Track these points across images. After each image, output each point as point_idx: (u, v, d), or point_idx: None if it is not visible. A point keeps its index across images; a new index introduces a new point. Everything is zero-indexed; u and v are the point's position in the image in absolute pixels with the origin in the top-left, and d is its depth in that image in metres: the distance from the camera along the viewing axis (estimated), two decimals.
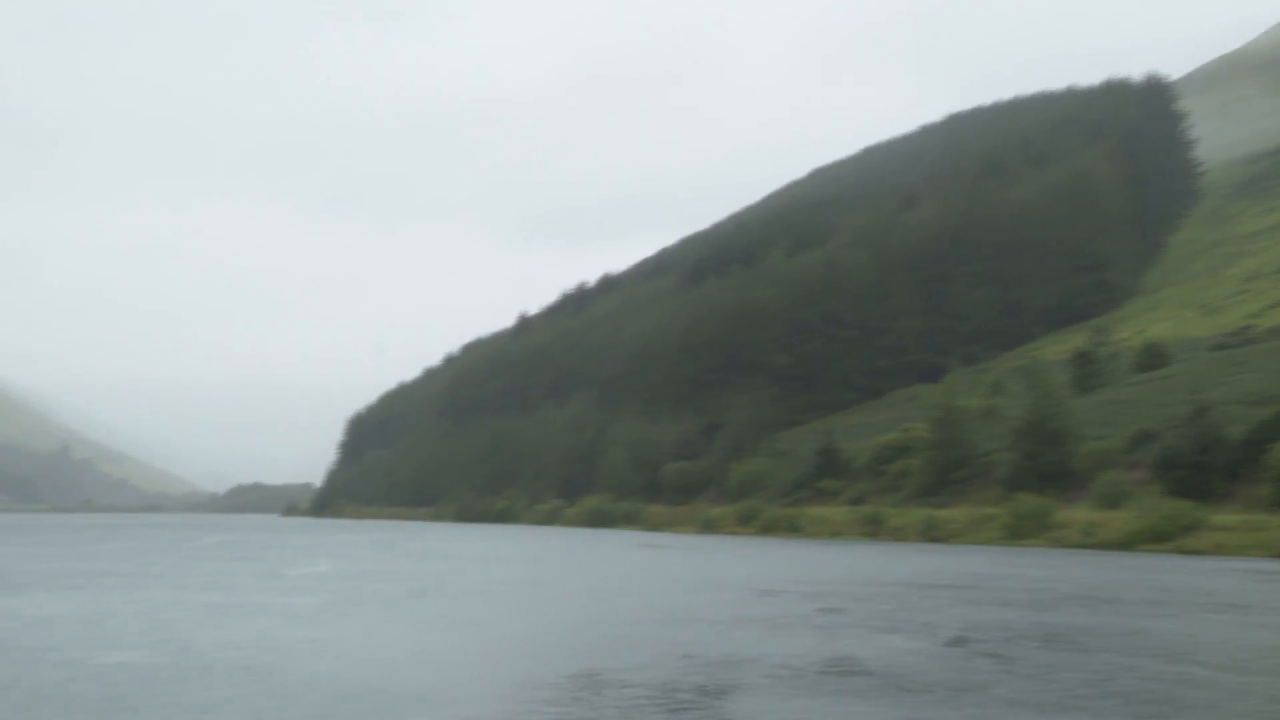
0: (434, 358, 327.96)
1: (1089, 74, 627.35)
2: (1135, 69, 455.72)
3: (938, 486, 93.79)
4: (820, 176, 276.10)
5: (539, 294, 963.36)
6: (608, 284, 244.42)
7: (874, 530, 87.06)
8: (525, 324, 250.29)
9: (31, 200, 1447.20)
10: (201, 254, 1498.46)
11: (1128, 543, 65.41)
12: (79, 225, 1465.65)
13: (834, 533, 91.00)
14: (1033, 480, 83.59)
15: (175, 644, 21.44)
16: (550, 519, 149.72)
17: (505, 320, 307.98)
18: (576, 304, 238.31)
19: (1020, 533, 73.74)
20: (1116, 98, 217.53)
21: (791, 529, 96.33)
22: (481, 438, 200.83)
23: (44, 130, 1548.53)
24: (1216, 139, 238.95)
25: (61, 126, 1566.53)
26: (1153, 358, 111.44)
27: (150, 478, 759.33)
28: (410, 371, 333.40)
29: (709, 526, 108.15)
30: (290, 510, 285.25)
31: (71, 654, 20.03)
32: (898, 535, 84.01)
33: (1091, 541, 67.52)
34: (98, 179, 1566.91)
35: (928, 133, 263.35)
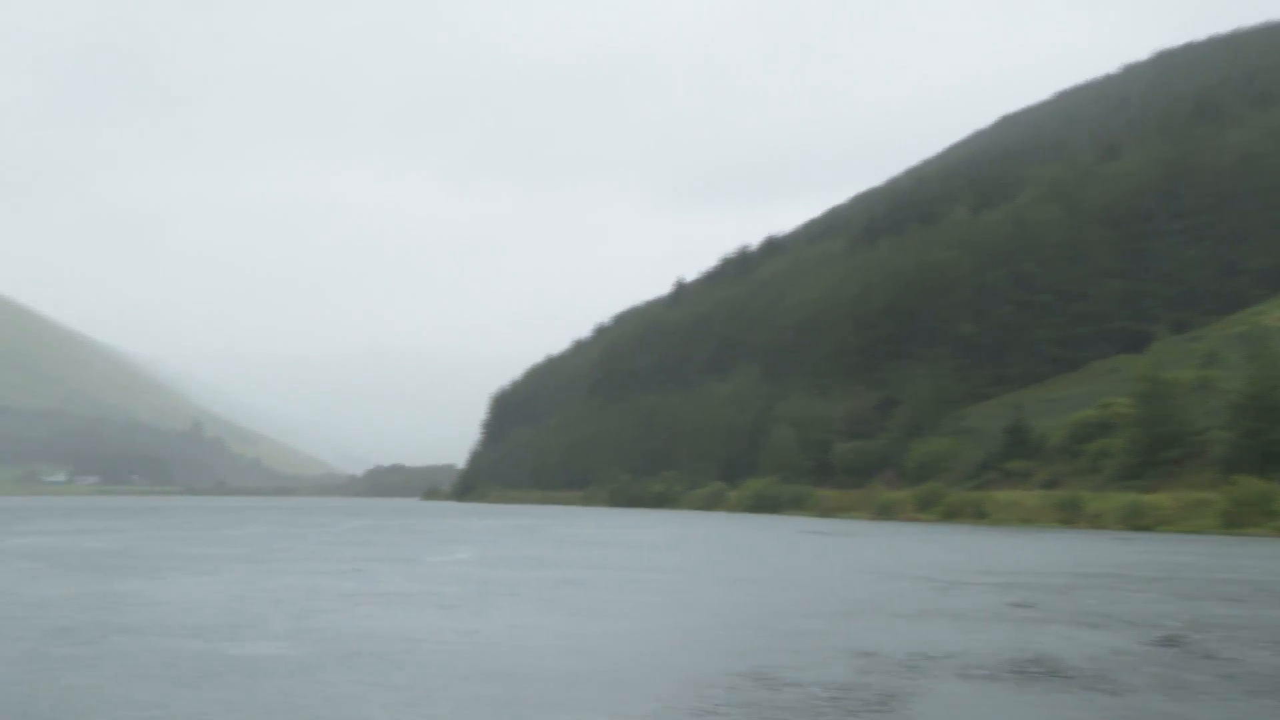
0: (584, 329, 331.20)
1: None
2: None
3: (1142, 469, 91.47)
4: (1008, 125, 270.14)
5: (698, 259, 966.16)
6: (772, 247, 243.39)
7: (1070, 517, 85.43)
8: (683, 291, 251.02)
9: (162, 166, 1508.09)
10: (339, 220, 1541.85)
11: None
12: (211, 191, 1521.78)
13: (1024, 519, 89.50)
14: (1254, 461, 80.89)
15: (317, 633, 22.10)
16: (711, 504, 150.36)
17: (661, 288, 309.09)
18: (738, 269, 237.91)
19: (1239, 520, 71.50)
20: None
21: (977, 515, 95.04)
22: (636, 415, 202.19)
23: (175, 93, 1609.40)
24: None
25: (192, 88, 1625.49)
26: None
27: (284, 459, 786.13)
28: (559, 344, 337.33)
29: (885, 512, 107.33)
30: (431, 494, 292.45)
31: (212, 642, 20.74)
32: (1096, 522, 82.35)
33: None
34: (230, 143, 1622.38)
35: (1132, 73, 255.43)
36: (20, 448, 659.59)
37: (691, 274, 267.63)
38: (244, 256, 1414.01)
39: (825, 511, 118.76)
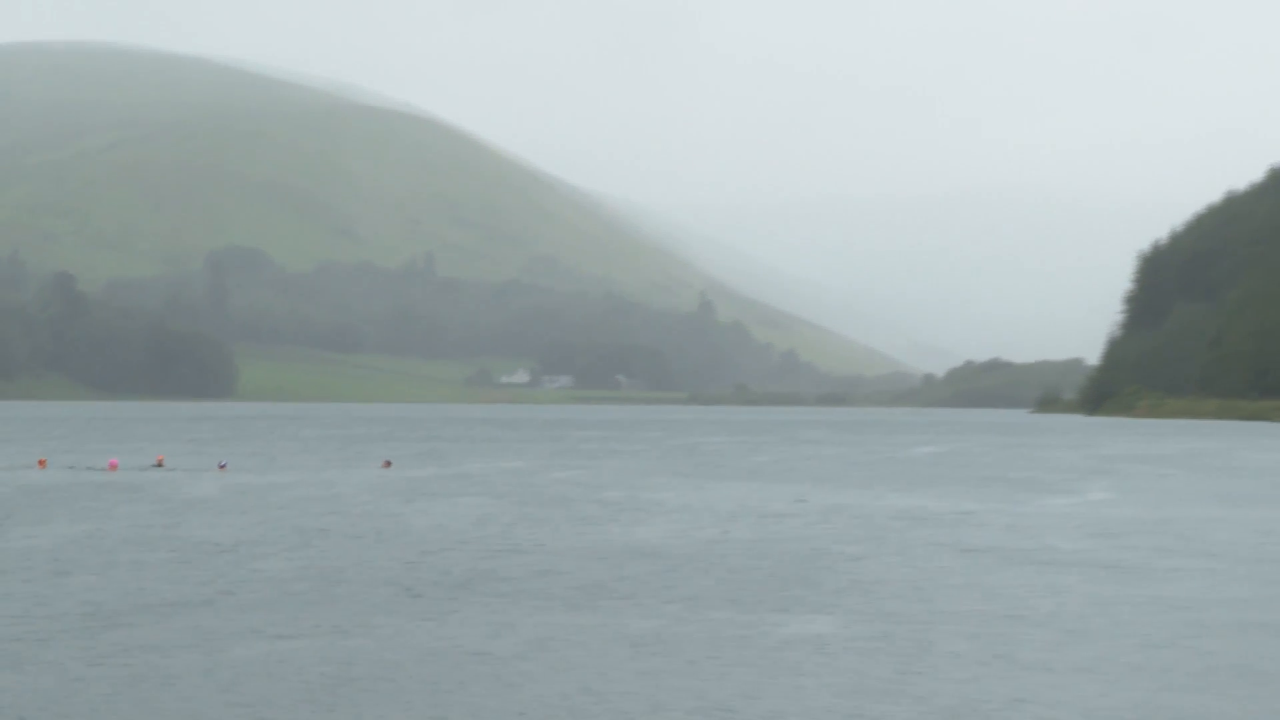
0: None
1: None
2: None
3: None
4: None
5: None
6: None
7: None
8: None
9: None
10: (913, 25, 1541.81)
11: None
12: None
13: None
14: None
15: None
16: None
17: None
18: None
19: None
20: None
21: None
22: None
23: None
24: None
25: None
26: None
27: (830, 351, 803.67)
28: (1244, 177, 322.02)
29: None
30: (1046, 403, 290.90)
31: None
32: None
33: None
34: None
35: None
36: (468, 336, 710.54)
37: None
38: (788, 57, 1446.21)
39: None
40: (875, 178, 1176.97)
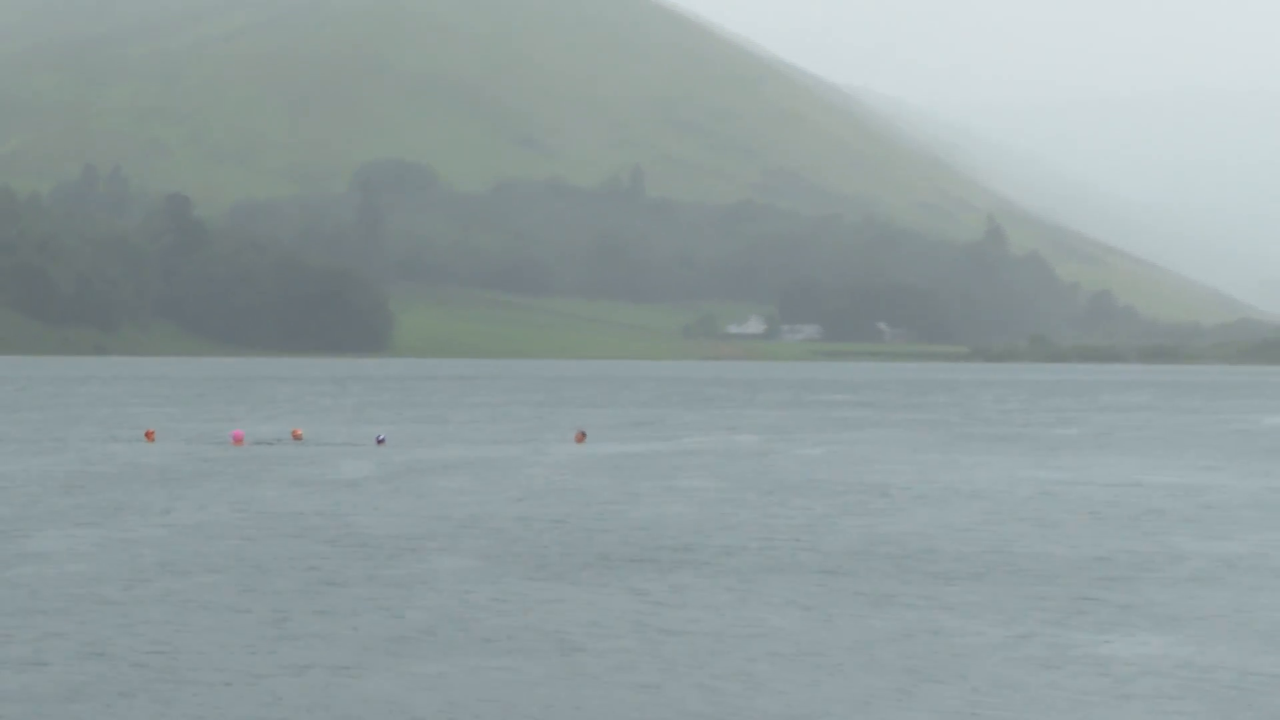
0: None
1: None
2: None
3: None
4: None
5: None
6: None
7: None
8: None
9: None
10: None
11: None
12: None
13: None
14: None
15: None
16: None
17: None
18: None
19: None
20: None
21: None
22: None
23: None
24: None
25: None
26: None
27: (1159, 293, 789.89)
28: None
29: None
30: None
31: None
32: None
33: None
34: None
35: None
36: (687, 274, 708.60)
37: None
38: None
39: None
40: (1232, 66, 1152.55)
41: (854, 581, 41.11)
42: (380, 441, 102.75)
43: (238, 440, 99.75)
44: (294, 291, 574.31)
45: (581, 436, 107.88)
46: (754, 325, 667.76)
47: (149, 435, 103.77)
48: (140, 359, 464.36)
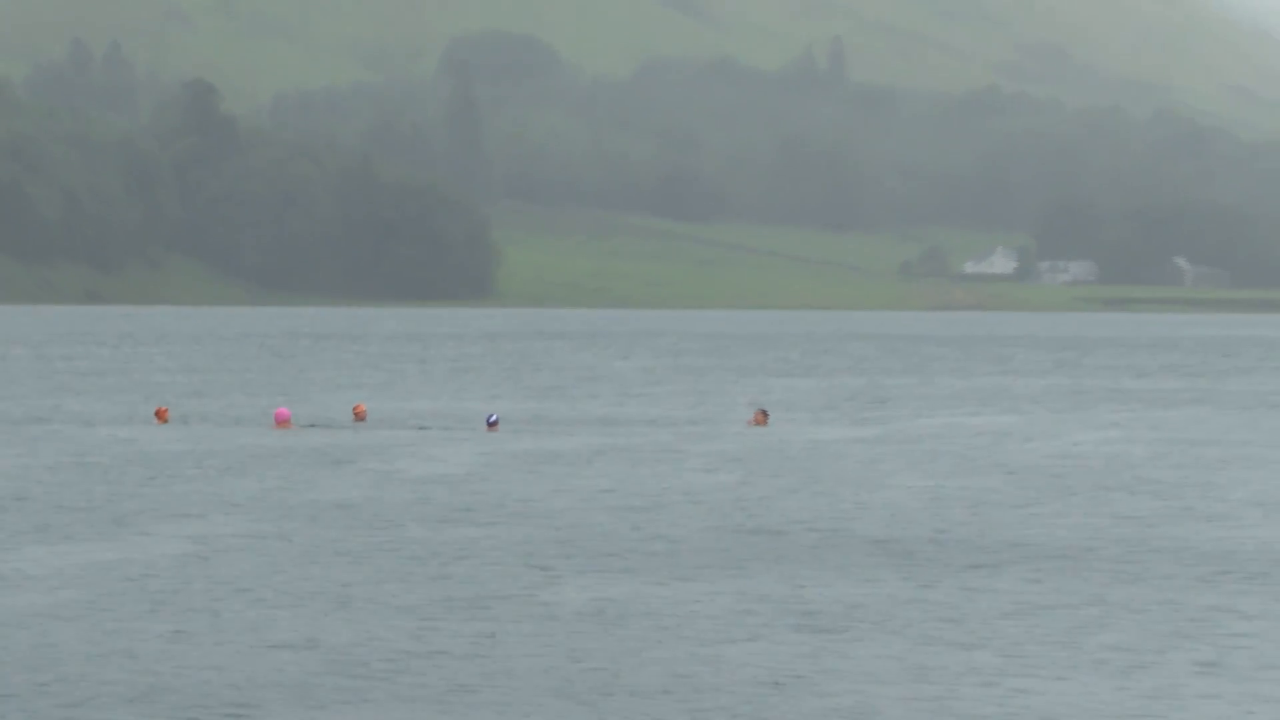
0: None
1: None
2: None
3: None
4: None
5: None
6: None
7: None
8: None
9: None
10: None
11: None
12: None
13: None
14: None
15: None
16: None
17: None
18: None
19: None
20: None
21: None
22: None
23: None
24: None
25: None
26: None
27: None
28: None
29: None
30: None
31: None
32: None
33: None
34: None
35: None
36: (904, 191, 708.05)
37: None
38: None
39: None
40: None
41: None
42: (492, 425, 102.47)
43: (282, 421, 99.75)
44: (361, 216, 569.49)
45: (762, 417, 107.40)
46: (1001, 262, 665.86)
47: (160, 414, 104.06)
48: (148, 308, 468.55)
